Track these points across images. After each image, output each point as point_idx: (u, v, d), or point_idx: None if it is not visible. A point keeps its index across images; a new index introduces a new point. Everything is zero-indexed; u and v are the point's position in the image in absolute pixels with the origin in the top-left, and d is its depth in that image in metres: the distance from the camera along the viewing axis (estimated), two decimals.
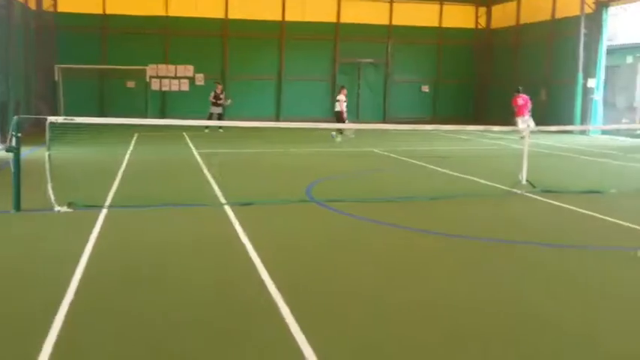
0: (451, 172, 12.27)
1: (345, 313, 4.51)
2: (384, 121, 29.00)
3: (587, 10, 23.04)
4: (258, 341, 4.00)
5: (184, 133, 20.67)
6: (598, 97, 22.98)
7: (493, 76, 29.98)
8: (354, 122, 27.98)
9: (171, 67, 27.23)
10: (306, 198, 9.13)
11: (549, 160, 15.07)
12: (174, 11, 26.82)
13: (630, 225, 7.60)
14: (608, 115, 25.78)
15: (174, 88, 27.47)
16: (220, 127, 21.77)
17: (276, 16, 28.08)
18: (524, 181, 9.88)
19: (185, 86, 27.48)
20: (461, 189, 10.28)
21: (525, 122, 19.83)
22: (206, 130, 21.60)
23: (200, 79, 27.54)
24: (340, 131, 19.52)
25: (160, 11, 26.74)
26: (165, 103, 27.37)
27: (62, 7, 25.64)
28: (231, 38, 27.67)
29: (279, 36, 28.22)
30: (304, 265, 5.81)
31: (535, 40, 26.79)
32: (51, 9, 25.31)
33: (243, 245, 6.33)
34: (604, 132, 23.09)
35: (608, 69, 26.29)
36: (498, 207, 8.89)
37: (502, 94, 29.11)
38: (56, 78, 25.02)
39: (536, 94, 26.69)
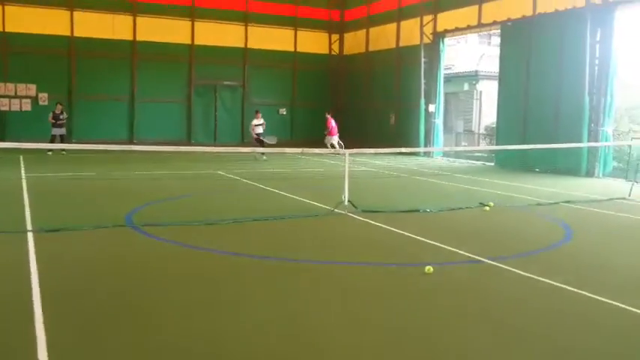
0: (284, 193, 12.47)
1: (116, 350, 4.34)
2: (242, 143, 29.03)
3: (426, 40, 24.61)
4: None
5: (21, 156, 19.40)
6: (439, 121, 24.51)
7: (348, 100, 31.04)
8: (210, 145, 27.87)
9: (11, 86, 25.51)
10: (123, 223, 8.81)
11: (385, 181, 15.82)
12: (14, 27, 25.21)
13: (428, 241, 8.07)
14: (449, 138, 27.64)
15: (15, 107, 25.75)
16: (63, 150, 20.76)
17: (127, 36, 27.28)
18: (346, 202, 10.21)
19: (27, 106, 25.83)
20: (287, 209, 10.43)
21: (336, 141, 22.90)
22: (49, 153, 20.50)
23: (44, 98, 26.01)
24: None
25: None
26: (4, 124, 25.55)
27: None
28: (80, 57, 26.48)
29: (131, 56, 27.44)
30: (89, 296, 5.54)
31: (384, 67, 28.14)
32: None
33: (27, 274, 5.95)
34: (445, 154, 24.64)
35: (449, 95, 28.27)
36: (314, 227, 9.11)
37: (357, 117, 30.29)
38: None
39: (386, 118, 28.10)
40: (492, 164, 21.42)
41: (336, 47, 31.74)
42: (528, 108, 19.99)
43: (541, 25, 19.49)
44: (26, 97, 25.85)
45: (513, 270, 6.67)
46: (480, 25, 22.40)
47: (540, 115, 19.52)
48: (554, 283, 6.13)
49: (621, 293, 5.85)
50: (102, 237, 7.95)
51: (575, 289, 5.93)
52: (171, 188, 13.38)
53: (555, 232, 9.06)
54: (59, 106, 21.92)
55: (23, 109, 25.78)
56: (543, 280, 6.28)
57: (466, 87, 27.01)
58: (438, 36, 24.24)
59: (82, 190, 12.77)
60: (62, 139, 21.27)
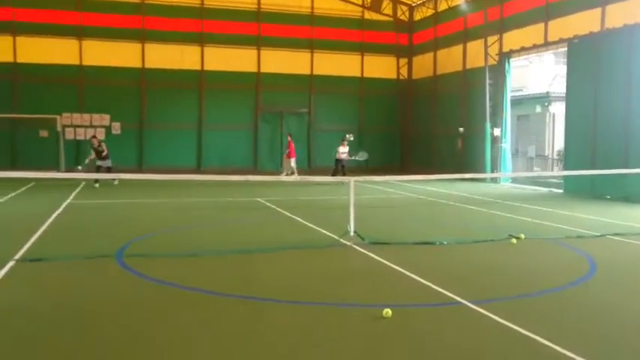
0: (305, 222, 12.02)
1: None
2: (310, 170, 28.84)
3: (491, 61, 23.49)
4: None
5: (83, 183, 20.25)
6: (506, 145, 23.17)
7: (416, 125, 30.25)
8: (275, 172, 27.90)
9: (86, 116, 26.83)
10: (112, 253, 8.64)
11: (423, 209, 14.97)
12: (90, 60, 26.57)
13: (418, 279, 7.30)
14: (520, 163, 26.11)
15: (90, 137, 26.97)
16: (115, 180, 19.89)
17: (196, 66, 28.04)
18: (352, 233, 9.58)
19: (101, 135, 26.89)
20: (294, 240, 9.96)
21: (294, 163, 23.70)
22: (96, 185, 19.49)
23: (117, 127, 27.19)
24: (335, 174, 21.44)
25: (74, 60, 26.48)
26: (80, 153, 26.81)
27: None
28: (150, 87, 27.46)
29: (199, 85, 28.14)
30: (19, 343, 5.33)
31: (450, 90, 27.20)
32: None
33: None
34: (513, 180, 23.17)
35: (520, 118, 26.81)
36: (308, 261, 8.54)
37: (425, 142, 29.42)
38: None
39: (453, 142, 27.03)
40: (561, 191, 19.88)
41: (404, 71, 31.08)
42: (597, 130, 18.43)
43: (609, 41, 18.00)
44: (100, 126, 27.05)
45: (488, 315, 5.83)
46: (547, 44, 21.09)
47: (610, 138, 17.92)
48: (524, 332, 5.28)
49: (601, 352, 4.91)
50: (77, 268, 7.81)
51: (545, 342, 5.05)
52: (197, 216, 13.23)
53: (574, 272, 7.96)
54: (95, 140, 20.35)
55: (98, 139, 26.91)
56: (514, 328, 5.43)
57: (538, 109, 25.45)
58: (504, 56, 23.04)
59: (109, 217, 12.89)
60: (109, 170, 19.72)
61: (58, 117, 25.84)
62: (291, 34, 29.16)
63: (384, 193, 19.08)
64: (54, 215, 12.64)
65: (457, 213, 14.45)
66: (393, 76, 31.07)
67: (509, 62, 23.02)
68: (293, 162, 24.31)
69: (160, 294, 6.68)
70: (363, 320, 5.75)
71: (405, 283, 7.27)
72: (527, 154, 25.43)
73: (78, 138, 26.82)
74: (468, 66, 25.66)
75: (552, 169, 24.51)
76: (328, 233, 10.57)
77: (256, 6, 28.57)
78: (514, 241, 9.93)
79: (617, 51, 17.66)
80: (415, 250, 9.32)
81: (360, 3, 29.83)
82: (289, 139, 25.01)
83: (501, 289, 6.99)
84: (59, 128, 25.99)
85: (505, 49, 23.04)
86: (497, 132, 23.05)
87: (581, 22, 19.17)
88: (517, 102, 25.99)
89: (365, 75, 30.45)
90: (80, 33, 26.50)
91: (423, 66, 29.79)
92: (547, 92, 24.17)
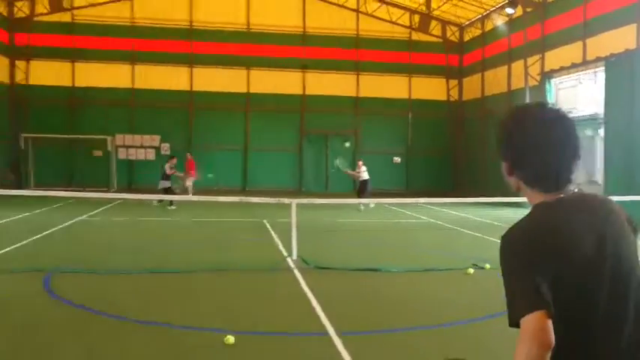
0: (278, 245, 11.86)
1: None
2: (354, 192, 28.59)
3: (533, 82, 22.45)
4: None
5: (118, 202, 21.09)
6: None
7: (466, 147, 29.32)
8: (320, 195, 27.88)
9: (137, 137, 28.06)
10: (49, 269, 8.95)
11: (416, 235, 14.47)
12: (141, 84, 27.84)
13: (317, 307, 7.01)
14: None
15: (141, 157, 28.21)
16: (170, 202, 19.46)
17: (242, 89, 28.69)
18: (294, 256, 9.38)
19: (151, 155, 28.16)
20: (242, 261, 9.86)
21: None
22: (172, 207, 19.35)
23: (166, 148, 28.18)
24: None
25: (126, 83, 27.83)
26: (132, 172, 28.07)
27: (34, 80, 27.14)
28: (198, 109, 28.36)
29: (245, 107, 28.73)
30: None
31: (497, 112, 26.09)
32: (23, 82, 26.89)
33: None
34: None
35: None
36: (228, 284, 8.43)
37: (475, 165, 28.42)
38: (22, 146, 26.23)
39: (500, 166, 25.90)
40: None
41: (454, 93, 30.30)
42: (635, 154, 17.10)
43: None
44: (150, 147, 28.20)
45: (337, 348, 5.51)
46: (585, 63, 19.92)
47: None
48: None
49: None
50: None
51: None
52: (179, 237, 13.43)
53: (494, 308, 7.33)
54: (174, 159, 20.74)
55: (147, 158, 28.10)
56: None
57: (589, 132, 23.90)
58: (545, 76, 21.96)
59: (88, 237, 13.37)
60: (168, 192, 19.32)
61: (109, 138, 27.15)
62: (337, 56, 29.24)
63: (403, 217, 18.59)
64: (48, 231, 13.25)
65: (448, 240, 13.72)
66: (443, 97, 30.38)
67: (550, 82, 21.90)
68: (189, 181, 21.78)
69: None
70: (200, 345, 5.59)
71: (300, 310, 7.01)
72: (575, 180, 23.93)
73: (130, 158, 28.06)
74: (513, 87, 24.67)
75: None
76: (279, 257, 10.36)
77: (301, 29, 28.95)
78: (471, 271, 9.34)
79: None
80: (352, 276, 8.95)
81: (408, 24, 29.50)
82: (189, 156, 22.74)
83: (389, 322, 6.58)
84: (110, 148, 27.29)
85: (546, 69, 21.96)
86: None
87: (617, 40, 17.97)
88: None
89: (413, 97, 29.96)
90: (133, 58, 27.83)
91: (472, 87, 28.96)
92: (595, 114, 22.69)
